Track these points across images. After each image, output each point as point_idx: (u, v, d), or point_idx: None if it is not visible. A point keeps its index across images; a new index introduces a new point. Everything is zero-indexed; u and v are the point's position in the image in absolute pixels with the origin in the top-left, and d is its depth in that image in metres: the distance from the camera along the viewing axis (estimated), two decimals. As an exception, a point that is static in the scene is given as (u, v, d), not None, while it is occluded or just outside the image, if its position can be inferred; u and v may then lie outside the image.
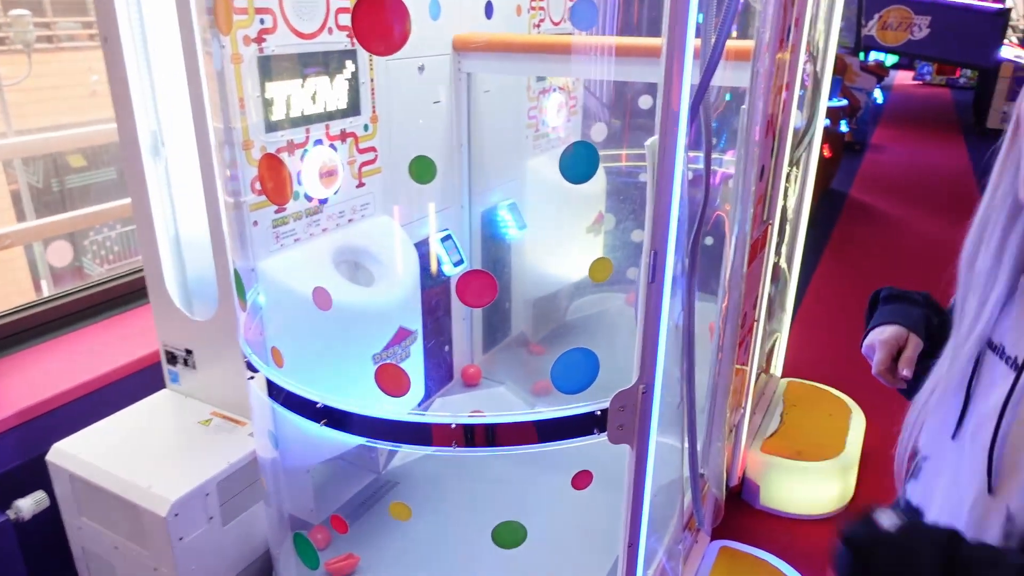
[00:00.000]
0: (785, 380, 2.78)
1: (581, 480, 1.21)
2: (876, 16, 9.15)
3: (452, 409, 2.26)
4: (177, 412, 1.82)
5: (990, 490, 0.79)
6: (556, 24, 2.65)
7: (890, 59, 11.74)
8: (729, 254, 1.85)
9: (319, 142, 1.69)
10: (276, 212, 1.60)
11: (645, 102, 2.87)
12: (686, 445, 1.76)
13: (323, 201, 1.73)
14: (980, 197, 0.95)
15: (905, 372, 0.94)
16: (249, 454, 1.66)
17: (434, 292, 2.24)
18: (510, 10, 2.35)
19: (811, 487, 2.30)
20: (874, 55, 10.43)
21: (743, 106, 1.64)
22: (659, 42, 0.97)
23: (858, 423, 2.49)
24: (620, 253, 2.99)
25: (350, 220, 1.83)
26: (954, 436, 0.88)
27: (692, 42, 0.97)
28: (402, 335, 1.76)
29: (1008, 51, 9.10)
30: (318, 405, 1.15)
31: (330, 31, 1.66)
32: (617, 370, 1.20)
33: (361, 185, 1.86)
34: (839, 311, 3.94)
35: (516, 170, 2.56)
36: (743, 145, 1.67)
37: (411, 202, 2.10)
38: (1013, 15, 10.24)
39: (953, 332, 0.90)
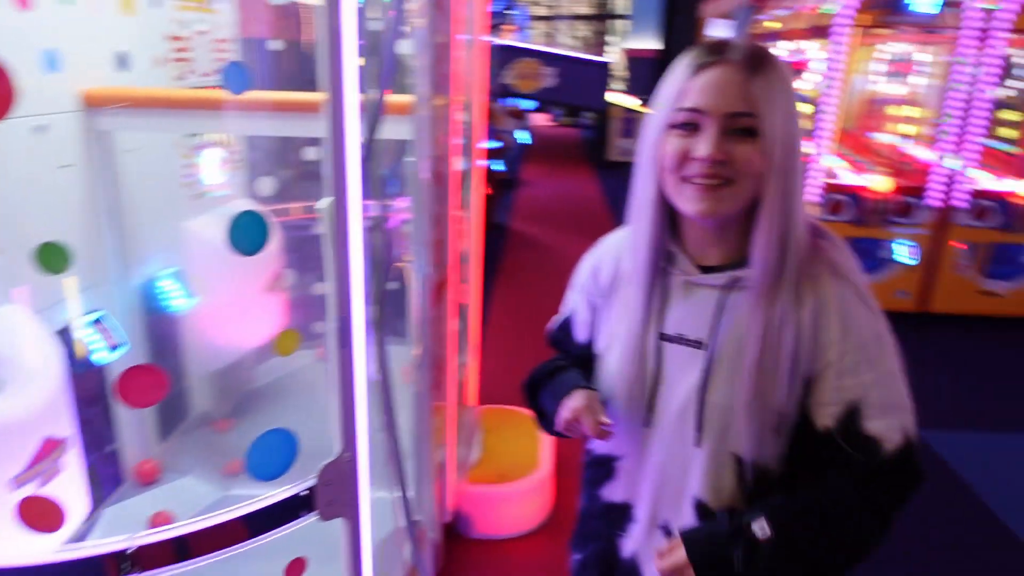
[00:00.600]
0: (480, 408, 2.91)
1: (295, 570, 1.11)
2: (511, 66, 10.26)
3: (128, 518, 1.94)
4: None
5: (698, 444, 0.97)
6: (205, 76, 2.48)
7: (527, 104, 13.28)
8: (416, 299, 1.88)
9: (-102, 225, 1.34)
10: None
11: (311, 153, 2.83)
12: (399, 496, 1.74)
13: (-86, 297, 1.38)
14: (612, 221, 1.14)
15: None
16: None
17: (89, 383, 1.92)
18: (146, 61, 2.14)
19: (518, 506, 2.44)
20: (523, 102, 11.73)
21: (409, 158, 1.69)
22: (316, 97, 0.95)
23: (548, 438, 2.71)
24: (305, 309, 2.88)
25: (-42, 316, 1.48)
26: (648, 424, 1.01)
27: (356, 99, 0.97)
28: (49, 447, 1.47)
29: (615, 96, 10.86)
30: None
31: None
32: (317, 434, 1.13)
33: (-31, 271, 1.52)
34: (518, 335, 4.28)
35: (175, 234, 2.32)
36: (416, 194, 1.72)
37: (44, 283, 1.77)
38: (615, 67, 12.24)
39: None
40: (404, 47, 1.83)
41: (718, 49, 0.90)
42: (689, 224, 0.98)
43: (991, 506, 2.76)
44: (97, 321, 1.85)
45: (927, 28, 4.40)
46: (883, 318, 0.95)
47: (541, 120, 17.81)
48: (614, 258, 1.09)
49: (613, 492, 1.10)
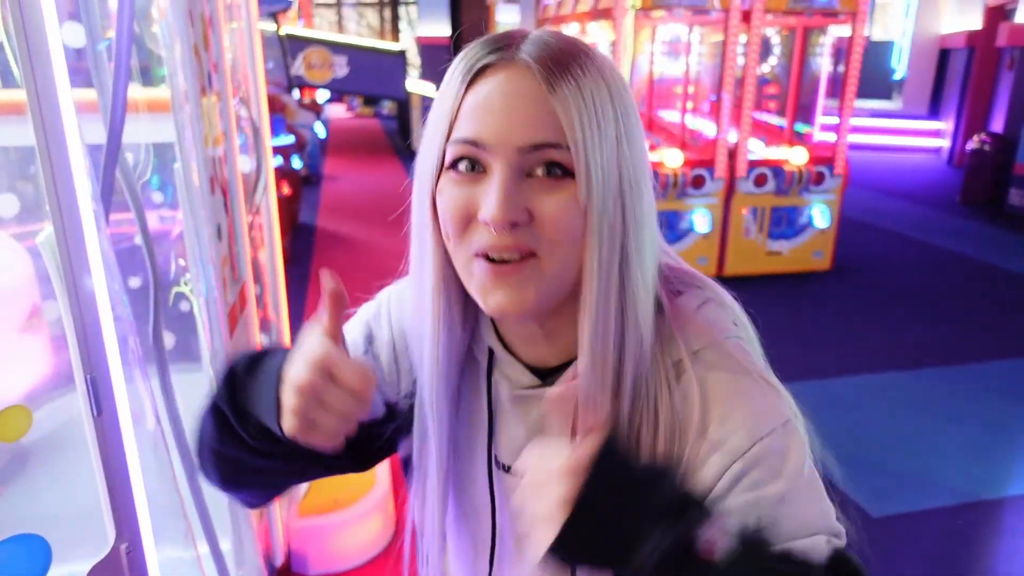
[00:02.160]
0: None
1: None
2: (300, 56, 9.73)
3: None
4: None
5: None
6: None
7: (322, 95, 12.72)
8: (205, 323, 1.62)
9: None
10: None
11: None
12: (212, 553, 1.50)
13: None
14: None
15: None
16: None
17: None
18: None
19: (360, 529, 2.25)
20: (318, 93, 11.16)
21: (175, 163, 1.43)
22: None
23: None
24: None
25: None
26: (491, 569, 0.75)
27: (69, 96, 0.74)
28: None
29: (413, 84, 10.69)
30: None
31: None
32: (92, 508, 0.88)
33: None
34: (337, 341, 4.03)
35: None
36: (186, 204, 1.46)
37: None
38: (410, 55, 12.05)
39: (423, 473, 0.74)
40: (151, 36, 1.55)
41: (502, 44, 0.60)
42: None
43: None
44: None
45: (697, 11, 4.70)
46: (773, 398, 0.66)
47: (338, 112, 17.22)
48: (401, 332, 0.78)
49: None
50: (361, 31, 19.10)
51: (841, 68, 4.98)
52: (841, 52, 5.05)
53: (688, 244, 4.92)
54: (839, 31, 4.98)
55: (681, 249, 4.89)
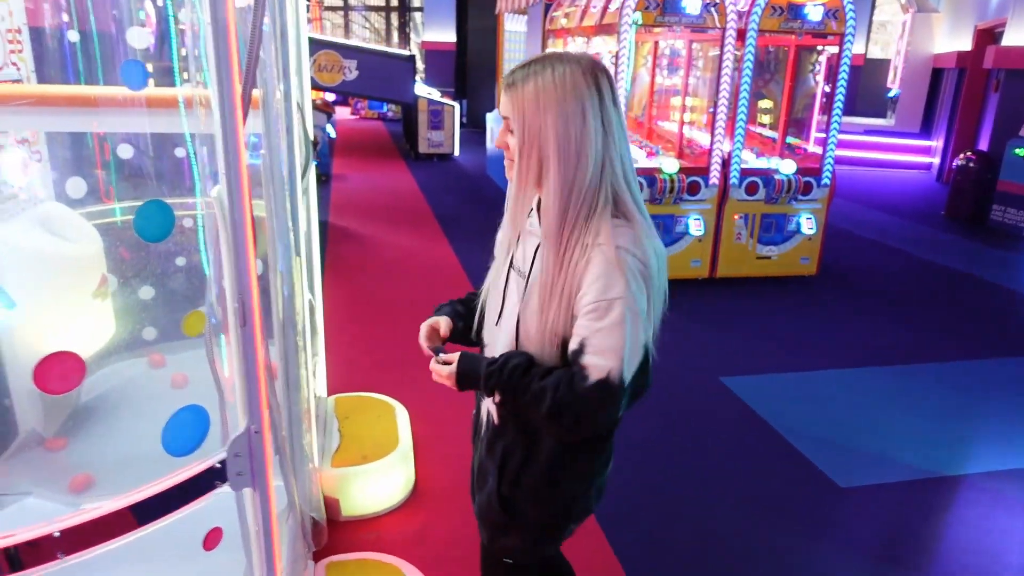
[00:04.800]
0: (332, 397, 2.96)
1: (212, 538, 1.16)
2: (311, 58, 10.03)
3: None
4: None
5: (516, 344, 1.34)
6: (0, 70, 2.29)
7: (329, 97, 13.02)
8: (279, 292, 1.92)
9: None
10: None
11: (125, 151, 2.71)
12: (285, 478, 1.79)
13: None
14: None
15: (425, 345, 1.44)
16: None
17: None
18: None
19: (383, 483, 2.54)
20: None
21: (261, 151, 1.73)
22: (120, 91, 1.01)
23: (403, 417, 2.83)
24: (132, 314, 2.75)
25: None
26: (496, 324, 1.39)
27: (237, 93, 1.04)
28: None
29: (421, 89, 11.00)
30: None
31: None
32: (157, 439, 1.13)
33: None
34: (354, 325, 4.33)
35: (-16, 242, 2.14)
36: (269, 188, 1.76)
37: None
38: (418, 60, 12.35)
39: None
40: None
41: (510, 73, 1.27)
42: None
43: (780, 431, 3.31)
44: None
45: (696, 27, 5.02)
46: (623, 285, 1.19)
47: (343, 114, 17.51)
48: None
49: None
50: (366, 35, 19.41)
51: (829, 85, 5.31)
52: (832, 69, 5.37)
53: (683, 247, 5.23)
54: (833, 49, 5.30)
55: (676, 251, 5.21)
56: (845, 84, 5.16)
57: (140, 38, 2.05)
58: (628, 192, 1.27)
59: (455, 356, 1.34)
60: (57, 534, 0.96)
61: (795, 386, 3.82)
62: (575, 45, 6.46)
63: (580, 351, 1.21)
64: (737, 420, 3.41)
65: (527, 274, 1.31)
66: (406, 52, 11.37)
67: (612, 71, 4.93)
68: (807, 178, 5.27)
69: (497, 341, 1.39)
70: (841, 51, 5.06)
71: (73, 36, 2.54)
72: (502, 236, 1.40)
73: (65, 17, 2.64)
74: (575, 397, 1.21)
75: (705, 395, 3.65)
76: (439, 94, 11.47)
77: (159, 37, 2.45)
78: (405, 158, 10.99)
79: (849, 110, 5.56)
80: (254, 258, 1.12)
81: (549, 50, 7.08)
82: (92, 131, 2.24)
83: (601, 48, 6.07)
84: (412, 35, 18.77)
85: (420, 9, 17.33)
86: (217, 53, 0.98)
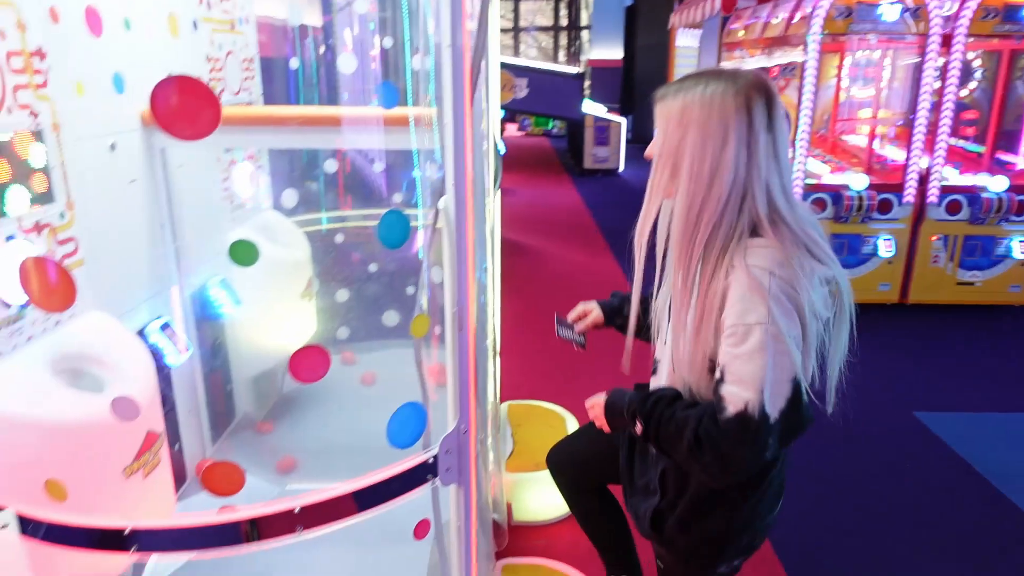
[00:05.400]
0: (505, 404, 3.04)
1: (422, 529, 1.23)
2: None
3: (198, 511, 2.02)
4: None
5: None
6: (236, 94, 2.59)
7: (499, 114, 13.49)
8: (474, 300, 2.01)
9: (11, 237, 1.44)
10: (-29, 326, 1.32)
11: (331, 166, 2.95)
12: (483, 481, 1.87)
13: (23, 306, 1.47)
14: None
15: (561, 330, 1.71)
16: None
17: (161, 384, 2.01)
18: (192, 81, 2.25)
19: (555, 491, 2.57)
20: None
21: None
22: (339, 111, 1.09)
23: (574, 427, 2.86)
24: (331, 314, 2.99)
25: (57, 322, 1.58)
26: (664, 342, 1.39)
27: (468, 111, 1.11)
28: (151, 439, 1.57)
29: (587, 105, 11.10)
30: (126, 531, 1.00)
31: (9, 111, 1.44)
32: (348, 431, 1.21)
33: (65, 281, 1.61)
34: (525, 334, 4.43)
35: (218, 245, 2.42)
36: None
37: (121, 292, 1.87)
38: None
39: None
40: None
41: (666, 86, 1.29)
42: None
43: (986, 476, 2.97)
44: (166, 326, 1.95)
45: (893, 35, 4.67)
46: (763, 310, 1.14)
47: (510, 130, 18.04)
48: None
49: (656, 382, 1.46)
50: (532, 54, 19.90)
51: (1052, 94, 4.73)
52: (1054, 77, 4.79)
53: (869, 268, 4.86)
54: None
55: (861, 273, 4.85)
56: (1073, 92, 4.57)
57: (347, 63, 2.24)
58: (780, 217, 1.21)
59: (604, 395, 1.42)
60: (298, 510, 1.06)
61: (1003, 426, 3.41)
62: (753, 60, 6.23)
63: (721, 379, 1.18)
64: (934, 460, 3.11)
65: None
66: (575, 70, 11.51)
67: (801, 84, 4.71)
68: (1021, 196, 4.72)
69: (663, 358, 1.40)
70: (1070, 55, 4.49)
71: (294, 63, 2.82)
72: None
73: (288, 49, 2.94)
74: (717, 430, 1.16)
75: (897, 430, 3.36)
76: (605, 110, 11.50)
77: (376, 61, 2.66)
78: (570, 173, 11.12)
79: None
80: (474, 267, 1.18)
81: (724, 64, 6.89)
82: (336, 147, 2.47)
83: (783, 61, 5.82)
84: (579, 53, 19.00)
85: (588, 27, 17.52)
86: (454, 74, 1.05)
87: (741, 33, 6.44)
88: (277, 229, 2.74)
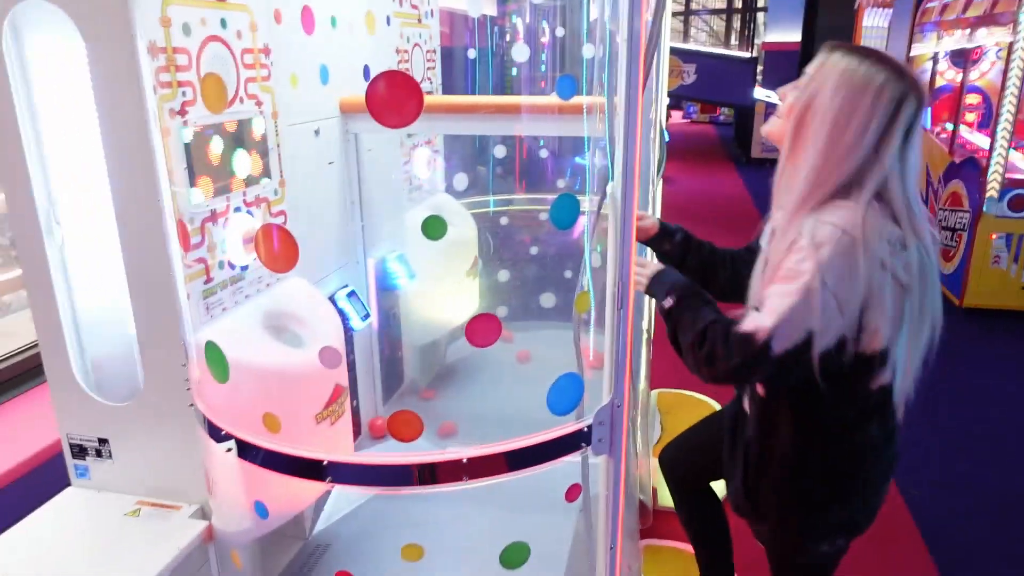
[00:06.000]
0: (655, 391, 3.08)
1: (573, 493, 1.33)
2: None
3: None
4: (98, 509, 1.67)
5: None
6: (420, 83, 2.79)
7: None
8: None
9: (238, 209, 1.69)
10: (205, 283, 1.57)
11: (500, 151, 3.10)
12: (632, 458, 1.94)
13: (244, 268, 1.72)
14: (760, 216, 1.50)
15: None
16: (196, 537, 1.58)
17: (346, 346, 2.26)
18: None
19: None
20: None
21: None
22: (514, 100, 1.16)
23: (725, 419, 2.84)
24: (492, 293, 3.16)
25: (268, 284, 1.83)
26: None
27: (640, 100, 1.17)
28: (337, 392, 1.78)
29: (760, 91, 10.63)
30: (324, 463, 1.17)
31: (241, 100, 1.68)
32: (503, 404, 1.30)
33: (275, 249, 1.86)
34: (676, 326, 4.40)
35: (398, 222, 2.64)
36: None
37: (317, 261, 2.12)
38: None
39: None
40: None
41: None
42: None
43: None
44: (352, 294, 2.18)
45: None
46: (817, 262, 1.17)
47: (675, 118, 17.63)
48: None
49: None
50: (702, 38, 19.24)
51: None
52: None
53: (1079, 275, 4.35)
54: None
55: (1067, 281, 4.34)
56: None
57: (521, 52, 2.35)
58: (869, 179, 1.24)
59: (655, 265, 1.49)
60: (465, 460, 1.18)
61: None
62: (951, 39, 5.70)
63: (756, 309, 1.25)
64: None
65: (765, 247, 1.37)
66: (747, 54, 11.05)
67: (1006, 67, 4.27)
68: None
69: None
70: None
71: (472, 54, 2.99)
72: None
73: (467, 39, 3.12)
74: (724, 335, 1.24)
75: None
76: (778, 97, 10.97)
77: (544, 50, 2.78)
78: (735, 162, 10.73)
79: None
80: (635, 249, 1.24)
81: (917, 47, 6.34)
82: (512, 134, 2.64)
83: (987, 42, 5.28)
84: (753, 37, 18.15)
85: (764, 9, 16.68)
86: (628, 64, 1.11)
87: (939, 13, 5.90)
88: (449, 210, 2.93)
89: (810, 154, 1.26)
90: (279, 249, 1.15)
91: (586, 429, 1.27)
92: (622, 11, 1.08)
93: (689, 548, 2.29)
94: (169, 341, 1.55)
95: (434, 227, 1.14)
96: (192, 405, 1.47)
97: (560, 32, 2.96)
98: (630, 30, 1.10)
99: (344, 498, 2.16)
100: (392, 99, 0.98)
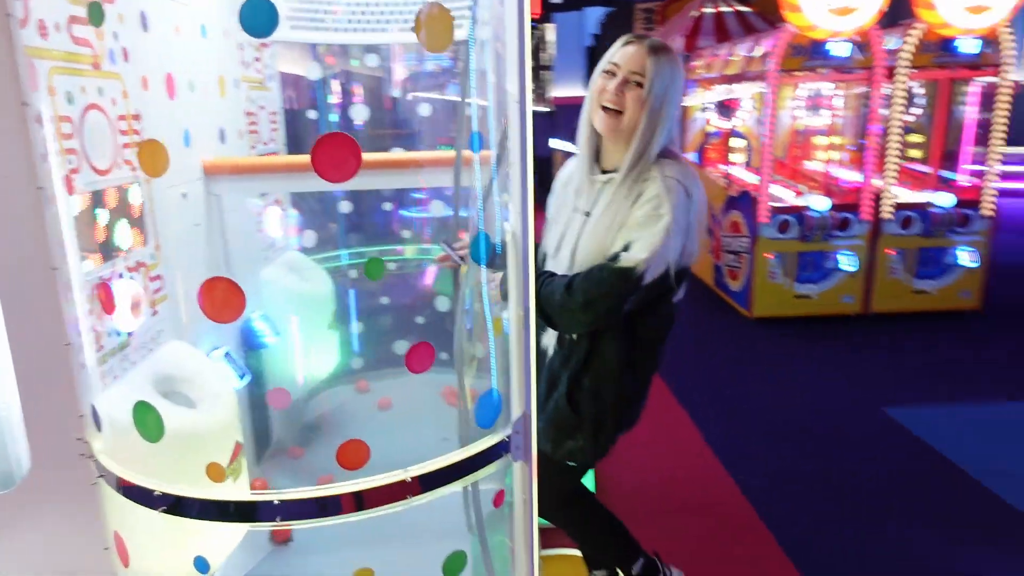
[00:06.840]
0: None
1: (500, 498, 1.47)
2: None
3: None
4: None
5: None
6: (265, 144, 2.84)
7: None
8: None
9: (121, 275, 1.67)
10: (97, 351, 1.54)
11: (345, 207, 3.21)
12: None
13: (131, 333, 1.69)
14: None
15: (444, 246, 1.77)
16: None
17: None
18: (233, 134, 2.50)
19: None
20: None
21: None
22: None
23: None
24: (346, 345, 3.20)
25: (150, 350, 1.80)
26: (555, 255, 1.75)
27: (529, 152, 1.38)
28: (238, 450, 1.79)
29: (554, 143, 11.48)
30: (273, 502, 1.23)
31: (118, 165, 1.68)
32: (377, 447, 1.43)
33: (155, 313, 1.84)
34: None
35: (258, 281, 2.65)
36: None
37: (193, 323, 2.09)
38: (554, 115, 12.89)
39: None
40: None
41: (639, 38, 1.62)
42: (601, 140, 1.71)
43: (959, 463, 3.29)
44: (227, 355, 2.17)
45: (843, 69, 5.12)
46: (670, 204, 1.54)
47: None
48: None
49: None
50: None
51: (987, 114, 5.21)
52: (987, 99, 5.27)
53: (833, 283, 5.24)
54: (988, 79, 5.21)
55: (826, 288, 5.23)
56: (1007, 113, 5.05)
57: (360, 113, 2.51)
58: (677, 149, 1.68)
59: None
60: (410, 479, 1.29)
61: (970, 417, 3.76)
62: (713, 93, 6.68)
63: (624, 249, 1.54)
64: (907, 451, 3.42)
65: (589, 211, 1.67)
66: (545, 108, 11.96)
67: (756, 116, 5.12)
68: (964, 210, 5.16)
69: (558, 270, 1.71)
70: (999, 79, 4.98)
71: (313, 115, 3.08)
72: (576, 181, 1.77)
73: (308, 100, 3.20)
74: (591, 279, 1.56)
75: (869, 426, 3.68)
76: (572, 146, 11.93)
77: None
78: (541, 207, 11.47)
79: (1012, 140, 5.42)
80: (532, 277, 1.44)
81: (686, 100, 7.31)
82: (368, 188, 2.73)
83: (744, 94, 6.26)
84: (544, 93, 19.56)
85: (549, 67, 18.10)
86: (521, 123, 1.32)
87: (702, 71, 6.89)
88: (302, 266, 2.97)
89: (654, 124, 1.61)
90: (225, 298, 1.21)
91: (507, 439, 1.44)
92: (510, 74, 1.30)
93: (575, 551, 2.49)
94: (60, 416, 1.49)
95: (375, 268, 1.26)
96: (100, 478, 1.44)
97: (396, 93, 3.16)
98: (521, 94, 1.32)
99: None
100: (335, 157, 1.10)
